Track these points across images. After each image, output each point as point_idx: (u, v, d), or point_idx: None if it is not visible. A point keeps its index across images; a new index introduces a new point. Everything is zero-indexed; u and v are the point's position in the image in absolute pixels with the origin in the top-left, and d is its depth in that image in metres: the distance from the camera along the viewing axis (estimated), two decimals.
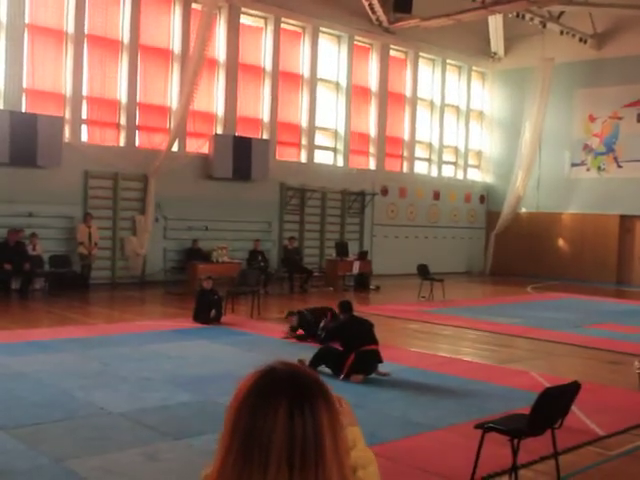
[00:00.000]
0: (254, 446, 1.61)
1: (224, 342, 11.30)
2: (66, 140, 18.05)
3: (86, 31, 18.54)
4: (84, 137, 18.85)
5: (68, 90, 18.35)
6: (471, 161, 29.21)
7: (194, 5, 19.97)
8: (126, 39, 19.23)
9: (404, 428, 7.02)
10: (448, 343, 12.68)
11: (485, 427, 5.36)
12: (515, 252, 27.10)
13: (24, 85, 17.66)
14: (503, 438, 5.37)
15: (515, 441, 5.25)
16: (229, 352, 10.70)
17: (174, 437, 6.50)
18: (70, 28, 18.29)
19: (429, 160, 27.65)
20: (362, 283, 20.93)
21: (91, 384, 8.31)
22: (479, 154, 29.46)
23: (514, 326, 14.33)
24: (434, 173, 27.70)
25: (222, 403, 7.77)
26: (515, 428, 5.25)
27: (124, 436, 6.48)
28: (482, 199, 29.26)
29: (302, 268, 20.50)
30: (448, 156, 28.33)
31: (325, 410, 1.66)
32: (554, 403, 5.35)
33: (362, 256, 21.52)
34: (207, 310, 13.33)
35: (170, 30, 20.24)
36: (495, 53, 28.43)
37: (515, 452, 5.31)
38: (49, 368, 9.10)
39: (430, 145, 27.59)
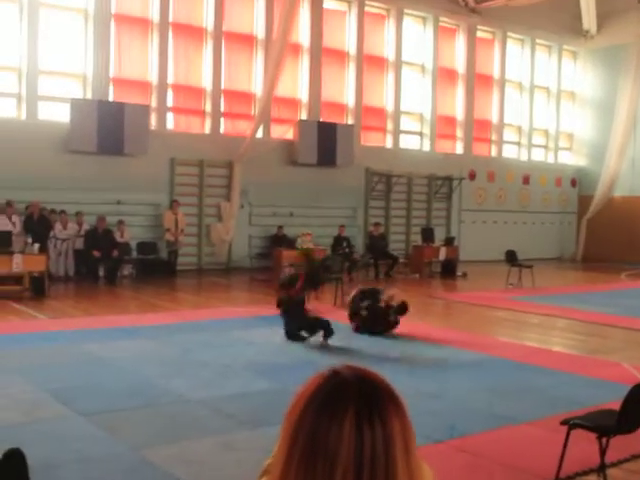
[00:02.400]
0: (318, 458, 1.45)
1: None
2: (152, 128, 18.28)
3: (171, 19, 18.75)
4: (170, 125, 19.06)
5: (154, 78, 18.59)
6: (562, 144, 28.35)
7: None
8: (210, 26, 19.34)
9: (487, 421, 6.76)
10: (536, 332, 12.27)
11: (571, 423, 5.08)
12: (608, 237, 26.15)
13: (111, 74, 17.97)
14: (591, 434, 5.08)
15: (603, 439, 4.96)
16: (312, 339, 10.58)
17: (252, 426, 6.42)
18: (155, 17, 18.50)
19: (518, 143, 26.97)
20: (449, 270, 20.55)
21: (172, 371, 8.33)
22: (570, 136, 28.56)
23: (606, 315, 13.76)
24: (524, 157, 27.01)
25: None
26: (603, 425, 4.95)
27: (202, 424, 6.44)
28: (574, 183, 28.38)
29: (387, 254, 20.26)
30: (538, 139, 27.57)
31: (396, 420, 1.49)
32: None
33: (449, 242, 21.14)
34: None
35: (254, 16, 20.25)
36: (587, 31, 27.42)
37: (603, 450, 5.02)
38: (132, 354, 9.18)
39: (519, 128, 26.89)
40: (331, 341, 10.15)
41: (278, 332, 10.82)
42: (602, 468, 5.11)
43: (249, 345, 9.98)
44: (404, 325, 12.12)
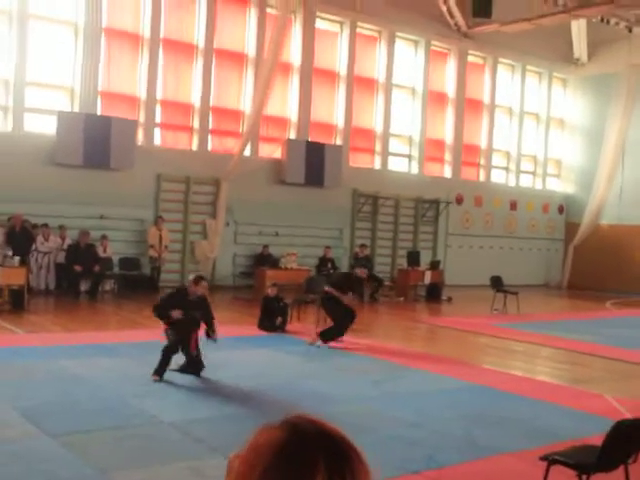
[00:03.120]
0: None
1: (287, 351, 11.05)
2: (139, 143, 18.16)
3: (162, 35, 18.67)
4: (157, 140, 18.94)
5: (142, 93, 18.48)
6: (550, 170, 28.38)
7: (269, 9, 19.86)
8: (201, 43, 19.28)
9: (466, 451, 6.63)
10: (520, 360, 12.17)
11: (551, 459, 4.95)
12: (595, 265, 26.10)
13: (99, 88, 17.84)
14: (571, 471, 4.96)
15: (583, 476, 4.83)
16: (290, 362, 10.46)
17: (223, 452, 6.25)
18: (146, 32, 18.45)
19: (507, 169, 26.97)
20: (434, 294, 20.45)
21: (146, 391, 8.17)
22: (559, 163, 28.60)
23: (590, 344, 13.66)
24: (512, 182, 27.01)
25: (276, 414, 7.52)
26: (584, 462, 4.82)
27: (172, 448, 6.28)
28: (561, 209, 28.39)
29: (373, 277, 20.10)
30: (526, 165, 27.60)
31: (365, 475, 1.41)
32: (629, 436, 4.90)
33: (434, 266, 21.04)
34: (272, 317, 13.11)
35: (245, 34, 20.21)
36: (578, 59, 27.55)
37: None
38: (108, 372, 9.01)
39: (508, 153, 26.91)
40: (316, 364, 9.99)
41: (257, 353, 10.68)
42: None
43: (226, 367, 9.81)
44: (385, 348, 12.02)
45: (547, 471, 5.00)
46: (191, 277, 9.77)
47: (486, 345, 13.43)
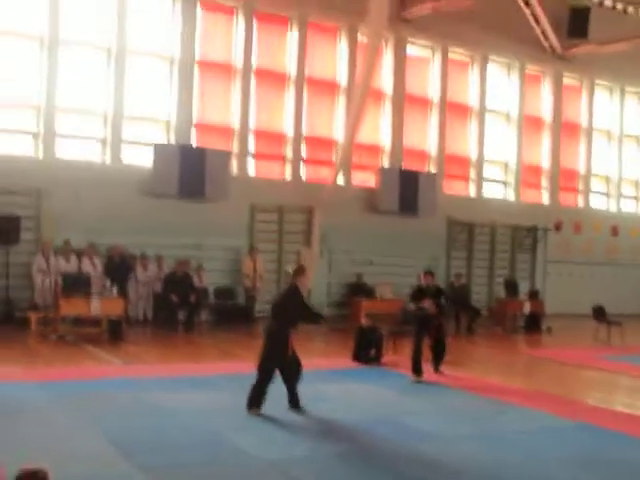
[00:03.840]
0: None
1: (382, 385, 10.76)
2: (233, 173, 18.30)
3: (254, 65, 18.83)
4: (251, 170, 19.05)
5: (236, 124, 18.65)
6: None
7: (360, 36, 19.82)
8: (293, 72, 19.39)
9: None
10: (626, 396, 11.56)
11: None
12: None
13: (194, 120, 18.10)
14: None
15: None
16: (386, 396, 10.17)
17: None
18: (238, 63, 18.67)
19: (607, 194, 26.08)
20: (533, 324, 19.79)
21: (242, 426, 8.03)
22: None
23: None
24: (613, 207, 26.10)
25: (376, 454, 7.31)
26: None
27: None
28: None
29: (469, 307, 19.65)
30: (628, 189, 26.62)
31: None
32: None
33: (533, 295, 20.43)
34: (367, 349, 12.87)
35: (336, 62, 20.22)
36: None
37: None
38: (203, 406, 8.91)
39: (608, 178, 26.04)
40: (412, 398, 9.69)
41: (353, 387, 10.45)
42: None
43: (323, 401, 9.59)
44: (484, 383, 11.62)
45: None
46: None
47: (590, 379, 12.84)
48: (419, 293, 11.65)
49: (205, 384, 10.30)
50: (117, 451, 6.86)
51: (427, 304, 11.41)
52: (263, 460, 6.81)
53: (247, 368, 11.63)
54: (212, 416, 8.41)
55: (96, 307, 13.74)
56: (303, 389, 10.27)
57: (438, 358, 11.88)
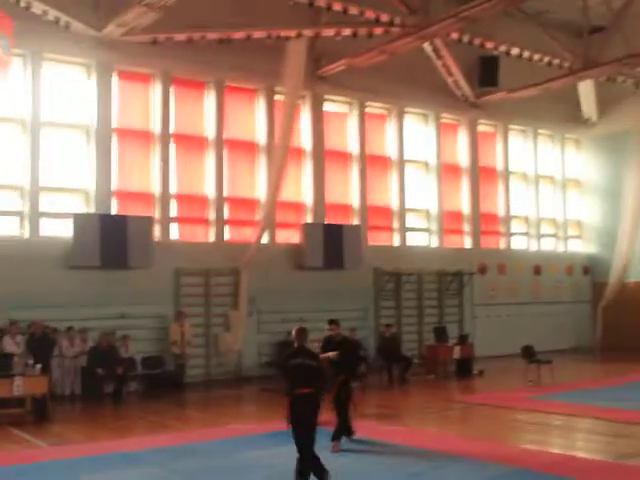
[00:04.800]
0: None
1: (320, 446, 10.60)
2: (156, 239, 18.12)
3: (172, 130, 18.81)
4: (174, 235, 18.89)
5: (157, 189, 18.53)
6: (571, 232, 28.08)
7: (277, 96, 20.01)
8: (211, 135, 19.43)
9: None
10: (560, 436, 11.71)
11: None
12: (626, 325, 25.45)
13: (113, 187, 17.91)
14: None
15: None
16: (321, 457, 10.02)
17: None
18: (156, 128, 18.60)
19: (527, 234, 26.71)
20: (465, 368, 19.97)
21: None
22: (579, 224, 28.31)
23: (633, 411, 13.13)
24: (533, 247, 26.73)
25: None
26: None
27: None
28: (586, 270, 27.97)
29: (401, 357, 19.71)
30: (547, 228, 27.32)
31: None
32: None
33: (462, 340, 20.65)
34: None
35: (255, 122, 20.34)
36: (588, 119, 27.54)
37: None
38: None
39: (527, 218, 26.68)
40: (351, 459, 9.59)
41: (288, 450, 10.28)
42: None
43: (259, 468, 9.43)
44: (421, 434, 11.61)
45: None
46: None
47: (524, 422, 12.93)
48: (326, 344, 10.98)
49: (136, 460, 10.02)
50: None
51: (332, 355, 10.70)
52: None
53: (177, 439, 11.45)
54: None
55: (19, 387, 13.25)
56: (241, 457, 10.11)
57: (337, 429, 10.61)
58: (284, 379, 8.43)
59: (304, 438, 8.02)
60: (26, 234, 16.83)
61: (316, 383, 8.26)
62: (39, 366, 13.82)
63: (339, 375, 10.69)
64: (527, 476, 8.84)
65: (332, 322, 11.29)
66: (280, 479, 8.88)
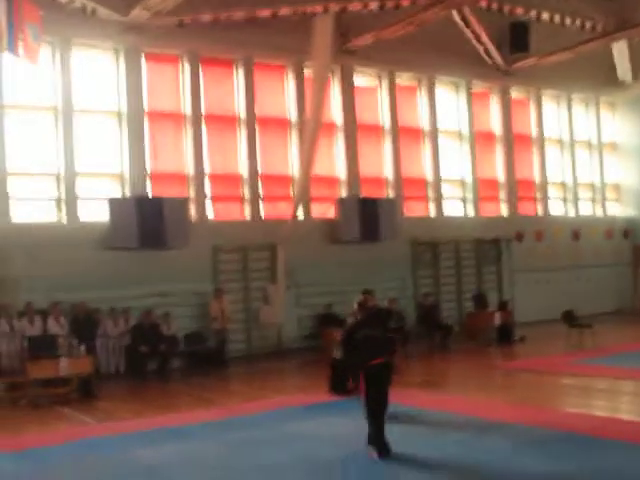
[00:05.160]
0: None
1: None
2: (193, 219, 18.26)
3: (203, 110, 18.87)
4: (210, 214, 19.02)
5: (191, 170, 18.64)
6: (609, 195, 27.72)
7: (306, 72, 19.97)
8: (242, 113, 19.45)
9: None
10: (605, 399, 11.64)
11: None
12: None
13: (148, 170, 18.07)
14: None
15: None
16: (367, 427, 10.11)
17: None
18: (187, 110, 18.68)
19: (564, 199, 26.43)
20: (505, 335, 19.89)
21: (222, 476, 7.95)
22: (617, 187, 27.94)
23: None
24: (571, 212, 26.46)
25: None
26: None
27: None
28: (626, 233, 27.64)
29: (441, 324, 19.74)
30: (584, 193, 27.01)
31: None
32: None
33: (502, 306, 20.57)
34: (343, 380, 12.79)
35: (285, 99, 20.33)
36: (623, 81, 27.08)
37: None
38: (181, 459, 8.80)
39: (564, 184, 26.40)
40: (397, 427, 9.63)
41: (332, 422, 10.39)
42: None
43: (303, 440, 9.53)
44: (463, 401, 11.63)
45: None
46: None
47: (567, 386, 12.92)
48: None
49: (183, 435, 10.18)
50: None
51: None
52: None
53: (222, 414, 11.61)
54: (191, 469, 8.31)
55: (65, 367, 13.52)
56: (284, 429, 10.24)
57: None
58: (352, 351, 8.50)
59: (378, 407, 8.24)
60: (64, 219, 17.05)
61: (387, 352, 8.44)
62: (83, 347, 14.08)
63: None
64: (573, 440, 8.82)
65: (366, 292, 11.18)
66: (325, 450, 8.98)
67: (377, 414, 8.36)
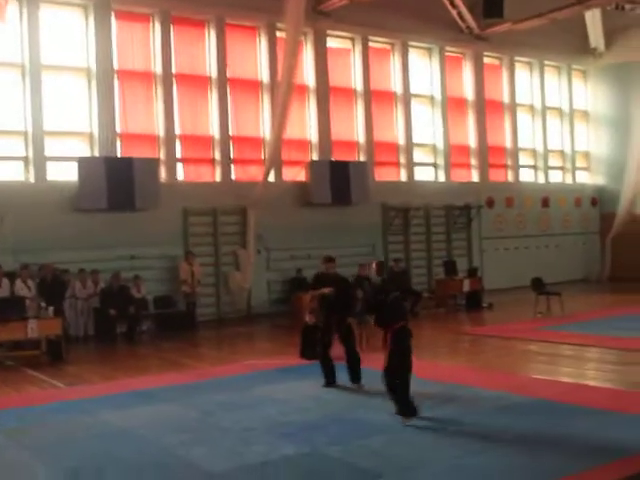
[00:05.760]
0: None
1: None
2: (163, 180, 18.07)
3: (174, 70, 18.59)
4: (180, 176, 18.83)
5: (161, 131, 18.40)
6: (579, 163, 27.91)
7: (279, 33, 19.72)
8: (214, 74, 19.22)
9: (533, 477, 6.27)
10: (571, 366, 11.77)
11: None
12: (634, 255, 25.54)
13: (117, 130, 17.79)
14: None
15: None
16: (335, 392, 10.15)
17: None
18: (158, 69, 18.41)
19: (534, 167, 26.56)
20: (474, 301, 20.07)
21: (192, 439, 7.91)
22: (587, 155, 28.13)
23: None
24: (541, 180, 26.60)
25: (330, 455, 7.28)
26: None
27: None
28: (594, 202, 27.90)
29: (410, 291, 19.74)
30: (554, 161, 27.17)
31: None
32: None
33: (472, 273, 20.70)
34: (314, 345, 12.78)
35: (257, 60, 20.09)
36: (595, 49, 27.12)
37: None
38: (152, 422, 8.76)
39: (534, 151, 26.50)
40: (365, 391, 9.67)
41: (301, 385, 10.40)
42: None
43: (273, 403, 9.54)
44: (433, 366, 11.71)
45: None
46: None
47: (534, 352, 13.04)
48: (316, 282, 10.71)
49: (152, 398, 10.13)
50: None
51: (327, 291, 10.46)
52: (216, 473, 6.72)
53: (191, 377, 11.58)
54: (161, 432, 8.27)
55: (33, 329, 13.37)
56: (253, 392, 10.24)
57: (351, 371, 10.38)
58: (381, 312, 8.65)
59: (402, 368, 8.37)
60: (32, 179, 16.78)
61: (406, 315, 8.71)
62: (52, 308, 13.94)
63: (333, 314, 10.51)
64: (540, 405, 8.91)
65: (329, 259, 11.01)
66: (295, 413, 9.00)
67: (405, 377, 8.37)
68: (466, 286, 20.06)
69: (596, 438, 7.34)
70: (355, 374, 10.31)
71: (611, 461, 6.58)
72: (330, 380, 10.37)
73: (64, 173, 17.00)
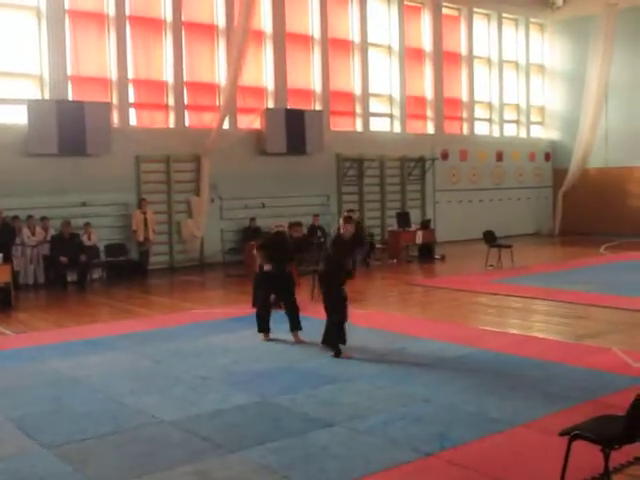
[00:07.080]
0: None
1: (282, 329, 10.66)
2: (115, 125, 17.72)
3: (127, 12, 18.12)
4: (133, 121, 18.47)
5: (113, 74, 18.00)
6: (534, 118, 28.07)
7: None
8: (169, 17, 18.80)
9: (479, 426, 6.37)
10: (520, 318, 11.95)
11: (572, 434, 4.70)
12: (585, 210, 25.98)
13: (68, 73, 17.33)
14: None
15: (607, 450, 4.60)
16: (286, 342, 10.16)
17: (229, 449, 5.99)
18: (111, 10, 17.93)
19: (490, 120, 26.64)
20: (426, 253, 20.24)
21: (143, 387, 7.88)
22: (542, 110, 28.28)
23: (590, 294, 13.47)
24: (496, 133, 26.72)
25: (281, 404, 7.32)
26: (608, 436, 4.57)
27: (175, 450, 5.99)
28: (547, 157, 28.15)
29: (364, 241, 19.80)
30: (509, 114, 27.28)
31: None
32: None
33: (425, 225, 20.80)
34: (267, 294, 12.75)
35: (213, 4, 19.67)
36: (553, 2, 27.10)
37: (607, 459, 4.66)
38: (101, 370, 8.71)
39: (490, 104, 26.55)
40: (316, 341, 9.72)
41: (253, 334, 10.40)
42: (607, 476, 4.77)
43: (225, 352, 9.54)
44: (384, 317, 11.81)
45: (569, 448, 4.75)
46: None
47: (484, 304, 13.18)
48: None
49: (102, 346, 10.06)
50: (18, 429, 6.62)
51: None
52: (168, 422, 6.70)
53: (143, 325, 11.51)
54: (112, 380, 8.23)
55: None
56: (205, 341, 10.22)
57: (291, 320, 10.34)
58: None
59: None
60: None
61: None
62: (0, 255, 13.67)
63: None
64: (488, 357, 9.04)
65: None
66: (247, 361, 9.02)
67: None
68: (419, 238, 20.18)
69: (543, 389, 7.47)
70: (294, 323, 10.31)
71: (557, 410, 6.70)
72: (264, 327, 10.40)
73: (12, 116, 16.54)
